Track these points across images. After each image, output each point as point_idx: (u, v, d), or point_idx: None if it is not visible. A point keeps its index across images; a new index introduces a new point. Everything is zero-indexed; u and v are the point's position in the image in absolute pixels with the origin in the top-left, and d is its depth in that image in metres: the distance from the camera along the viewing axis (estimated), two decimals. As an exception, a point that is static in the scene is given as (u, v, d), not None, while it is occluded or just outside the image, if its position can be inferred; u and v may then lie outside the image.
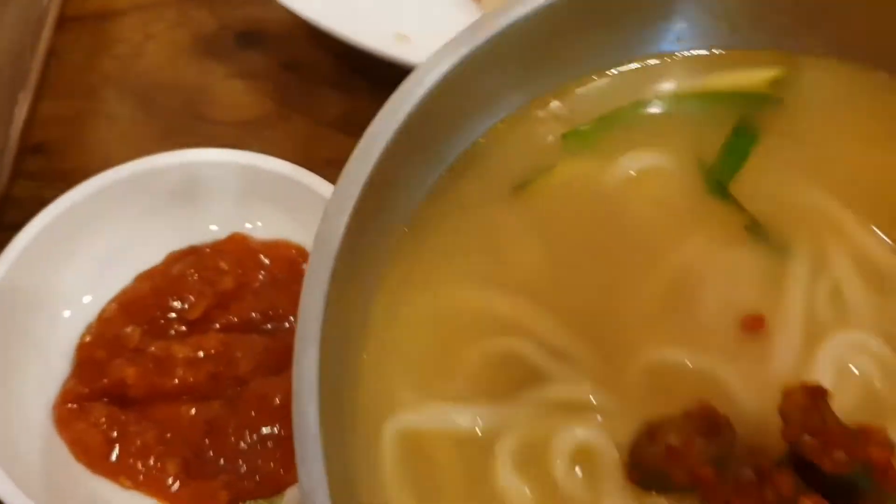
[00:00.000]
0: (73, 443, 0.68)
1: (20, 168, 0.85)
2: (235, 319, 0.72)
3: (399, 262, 0.56)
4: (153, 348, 0.70)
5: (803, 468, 0.47)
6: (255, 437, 0.68)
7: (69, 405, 0.68)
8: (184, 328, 0.72)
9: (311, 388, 0.45)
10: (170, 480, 0.67)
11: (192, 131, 0.88)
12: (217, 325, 0.72)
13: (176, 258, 0.74)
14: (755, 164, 0.60)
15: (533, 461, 0.50)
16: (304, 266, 0.74)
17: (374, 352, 0.53)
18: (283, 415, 0.67)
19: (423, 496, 0.50)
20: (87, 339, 0.71)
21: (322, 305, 0.47)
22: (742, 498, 0.47)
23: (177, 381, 0.69)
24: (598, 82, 0.62)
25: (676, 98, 0.63)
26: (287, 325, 0.72)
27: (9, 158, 0.84)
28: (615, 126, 0.61)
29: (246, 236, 0.75)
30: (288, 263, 0.74)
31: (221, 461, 0.68)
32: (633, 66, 0.63)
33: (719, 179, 0.59)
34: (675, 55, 0.63)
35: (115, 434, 0.68)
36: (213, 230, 0.76)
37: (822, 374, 0.52)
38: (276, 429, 0.68)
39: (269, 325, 0.73)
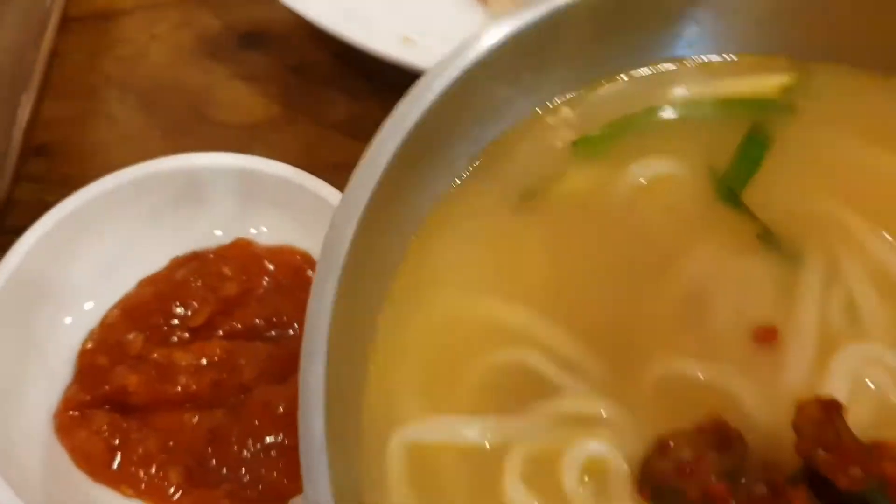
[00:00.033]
0: (74, 450, 0.67)
1: (22, 170, 0.85)
2: (239, 326, 0.72)
3: (406, 272, 0.55)
4: (156, 355, 0.69)
5: (817, 483, 0.47)
6: (258, 445, 0.67)
7: (70, 412, 0.68)
8: (187, 335, 0.71)
9: (318, 403, 0.45)
10: (172, 489, 0.66)
11: (195, 133, 0.87)
12: (220, 332, 0.71)
13: (179, 264, 0.74)
14: (767, 171, 0.60)
15: (542, 475, 0.50)
16: (309, 272, 0.74)
17: (381, 363, 0.53)
18: (287, 423, 0.67)
19: (430, 510, 0.50)
20: (89, 345, 0.71)
21: (329, 318, 0.46)
22: (755, 514, 0.47)
23: (179, 388, 0.68)
24: (608, 88, 0.62)
25: (688, 104, 0.62)
26: (291, 332, 0.72)
27: (11, 161, 0.83)
28: (626, 133, 0.61)
29: (250, 242, 0.75)
30: (293, 269, 0.74)
31: (224, 470, 0.67)
32: (645, 71, 0.62)
33: (731, 187, 0.59)
34: (687, 61, 0.63)
35: (116, 442, 0.67)
36: (217, 235, 0.75)
37: (836, 386, 0.52)
38: (279, 438, 0.67)
39: (273, 332, 0.72)
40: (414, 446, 0.51)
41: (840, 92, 0.62)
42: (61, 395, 0.70)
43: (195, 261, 0.74)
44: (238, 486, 0.66)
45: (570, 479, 0.50)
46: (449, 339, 0.54)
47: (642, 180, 0.59)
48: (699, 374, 0.52)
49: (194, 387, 0.68)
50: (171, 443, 0.67)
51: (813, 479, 0.47)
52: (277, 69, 0.91)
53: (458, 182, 0.58)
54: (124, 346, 0.70)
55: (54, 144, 0.87)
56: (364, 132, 0.84)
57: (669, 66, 0.63)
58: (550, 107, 0.61)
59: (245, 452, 0.66)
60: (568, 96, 0.61)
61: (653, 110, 0.62)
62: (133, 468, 0.67)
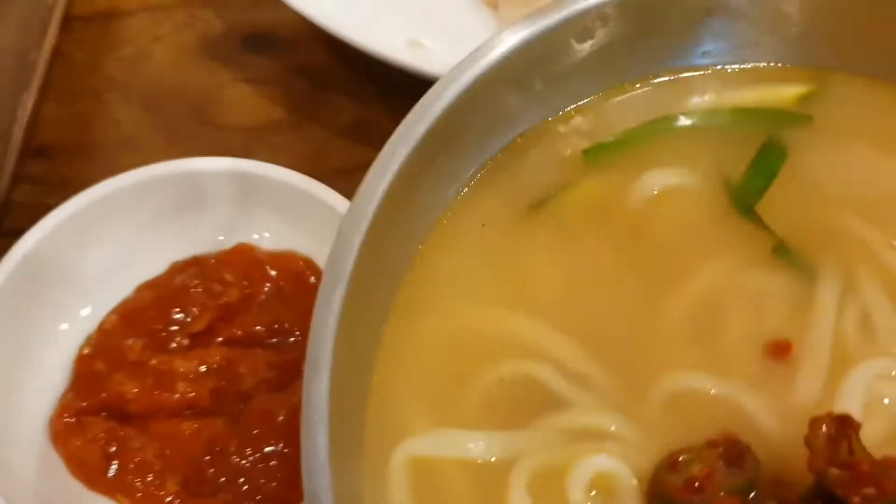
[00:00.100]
0: (70, 458, 0.67)
1: (21, 172, 0.85)
2: (239, 333, 0.72)
3: (413, 282, 0.55)
4: (154, 362, 0.69)
5: (829, 501, 0.47)
6: (257, 454, 0.67)
7: (66, 419, 0.68)
8: (186, 341, 0.71)
9: (322, 419, 0.45)
10: (169, 499, 0.66)
11: (198, 136, 0.87)
12: (220, 339, 0.71)
13: (179, 268, 0.74)
14: (783, 183, 0.60)
15: (548, 490, 0.50)
16: (312, 279, 0.74)
17: (385, 375, 0.53)
18: (287, 432, 0.67)
19: (433, 525, 0.50)
20: (87, 351, 0.71)
21: (333, 332, 0.47)
22: (766, 532, 0.47)
23: (178, 395, 0.68)
24: (621, 97, 0.62)
25: (702, 114, 0.62)
26: (292, 339, 0.72)
27: (10, 161, 0.84)
28: (638, 142, 0.61)
29: (252, 247, 0.75)
30: (295, 276, 0.74)
31: (222, 479, 0.67)
32: (659, 80, 0.62)
33: (746, 199, 0.59)
34: (702, 70, 0.63)
35: (113, 450, 0.67)
36: (219, 240, 0.76)
37: (850, 402, 0.52)
38: (279, 446, 0.67)
39: (274, 339, 0.72)
40: (417, 460, 0.51)
41: (857, 103, 0.62)
42: (57, 402, 0.70)
43: (196, 266, 0.74)
44: (236, 496, 0.66)
45: (577, 493, 0.50)
46: (455, 350, 0.54)
47: (655, 191, 0.59)
48: (710, 389, 0.53)
49: (193, 394, 0.68)
50: (168, 451, 0.67)
51: (825, 496, 0.47)
52: (282, 72, 0.91)
53: (467, 190, 0.59)
54: (122, 353, 0.70)
55: (55, 146, 0.87)
56: (369, 136, 0.85)
57: (684, 75, 0.63)
58: (562, 115, 0.61)
59: (244, 461, 0.66)
60: (580, 104, 0.61)
61: (667, 119, 0.62)
62: (129, 477, 0.67)
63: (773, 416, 0.52)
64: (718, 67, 0.63)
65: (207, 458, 0.67)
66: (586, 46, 0.59)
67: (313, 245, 0.74)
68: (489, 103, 0.57)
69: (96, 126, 0.88)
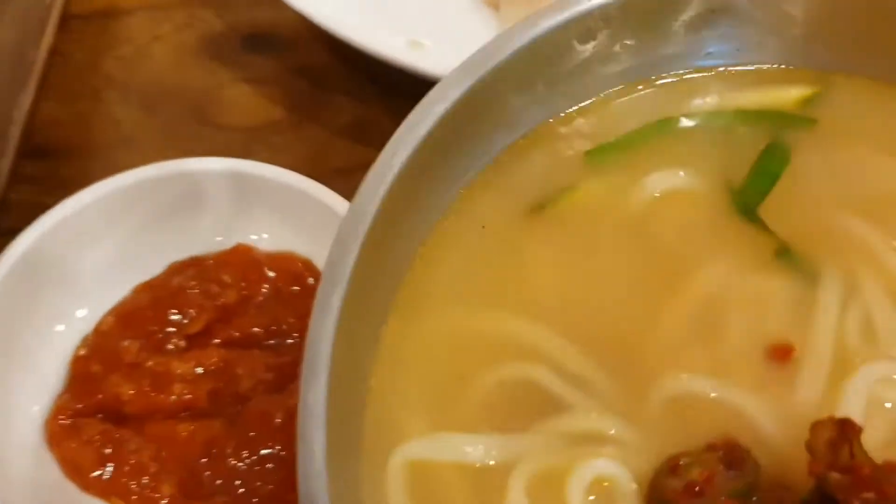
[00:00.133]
0: (65, 460, 0.67)
1: (19, 172, 0.85)
2: (237, 334, 0.72)
3: (412, 283, 0.55)
4: (151, 363, 0.69)
5: (830, 506, 0.47)
6: (254, 457, 0.67)
7: (62, 421, 0.68)
8: (183, 343, 0.71)
9: (318, 423, 0.45)
10: (164, 501, 0.66)
11: (197, 136, 0.88)
12: (218, 340, 0.72)
13: (177, 269, 0.74)
14: (786, 185, 0.60)
15: (547, 494, 0.50)
16: (310, 280, 0.74)
17: (383, 377, 0.53)
18: (285, 434, 0.67)
19: (431, 530, 0.50)
20: (83, 352, 0.71)
21: (331, 337, 0.46)
22: (766, 536, 0.47)
23: (174, 397, 0.69)
24: (624, 98, 0.62)
25: (705, 116, 0.62)
26: (291, 341, 0.72)
27: (7, 161, 0.84)
28: (640, 144, 0.61)
29: (251, 248, 0.75)
30: (293, 277, 0.74)
31: (218, 482, 0.67)
32: (661, 81, 0.62)
33: (748, 202, 0.59)
34: (705, 71, 0.63)
35: (108, 452, 0.67)
36: (218, 241, 0.76)
37: (851, 406, 0.52)
38: (276, 449, 0.67)
39: (272, 341, 0.72)
40: (416, 463, 0.51)
41: (861, 105, 0.62)
42: (53, 403, 0.70)
43: (193, 267, 0.74)
44: (233, 499, 0.66)
45: (576, 497, 0.50)
46: (454, 352, 0.54)
47: (657, 193, 0.59)
48: (711, 392, 0.53)
49: (190, 396, 0.69)
50: (164, 453, 0.67)
51: (825, 501, 0.47)
52: (282, 72, 0.91)
53: (468, 191, 0.59)
54: (119, 354, 0.70)
55: (53, 145, 0.87)
56: (369, 137, 0.85)
57: (687, 77, 0.63)
58: (564, 116, 0.61)
59: (241, 464, 0.67)
60: (582, 106, 0.61)
61: (669, 121, 0.62)
62: (124, 479, 0.67)
63: (773, 419, 0.52)
64: (722, 69, 0.63)
65: (204, 460, 0.67)
66: (588, 47, 0.59)
67: (312, 246, 0.74)
68: (491, 104, 0.57)
69: (95, 126, 0.88)
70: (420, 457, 0.51)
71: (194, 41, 0.93)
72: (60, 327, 0.72)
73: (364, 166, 0.52)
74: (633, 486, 0.50)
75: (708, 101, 0.63)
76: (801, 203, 0.59)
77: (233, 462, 0.67)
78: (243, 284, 0.73)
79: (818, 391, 0.53)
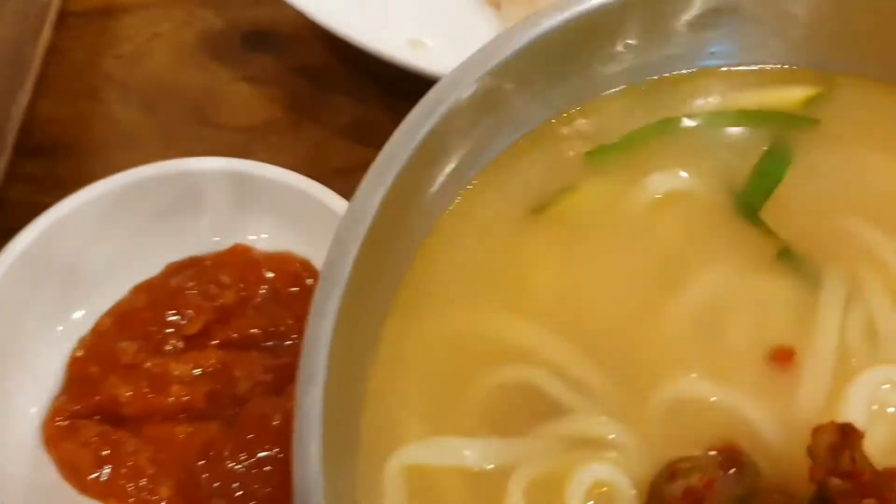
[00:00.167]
0: (62, 462, 0.67)
1: (16, 171, 0.85)
2: (235, 335, 0.72)
3: (412, 285, 0.55)
4: (149, 364, 0.69)
5: (831, 512, 0.47)
6: (252, 459, 0.67)
7: (59, 422, 0.68)
8: (181, 344, 0.71)
9: (314, 428, 0.45)
10: (162, 504, 0.67)
11: (196, 136, 0.88)
12: (216, 341, 0.72)
13: (175, 270, 0.74)
14: (788, 186, 0.60)
15: (546, 499, 0.50)
16: (309, 281, 0.74)
17: (382, 379, 0.53)
18: (283, 437, 0.67)
19: (429, 535, 0.50)
20: (80, 353, 0.71)
21: (329, 340, 0.46)
22: (766, 542, 0.47)
23: (172, 399, 0.69)
24: (625, 98, 0.62)
25: (707, 116, 0.62)
26: (289, 342, 0.72)
27: (4, 160, 0.84)
28: (642, 144, 0.61)
29: (249, 248, 0.75)
30: (292, 277, 0.74)
31: (216, 484, 0.67)
32: (664, 81, 0.62)
33: (750, 203, 0.59)
34: (708, 71, 0.63)
35: (106, 453, 0.67)
36: (216, 241, 0.76)
37: (853, 411, 0.52)
38: (274, 451, 0.68)
39: (270, 342, 0.73)
40: (413, 468, 0.51)
41: (864, 106, 0.62)
42: (50, 405, 0.70)
43: (191, 267, 0.74)
44: (230, 502, 0.66)
45: (575, 502, 0.50)
46: (453, 354, 0.54)
47: (658, 194, 0.59)
48: (711, 396, 0.53)
49: (188, 397, 0.69)
50: (161, 455, 0.67)
51: (826, 507, 0.47)
52: (282, 71, 0.91)
53: (468, 192, 0.59)
54: (116, 355, 0.70)
55: (50, 144, 0.87)
56: (370, 137, 0.85)
57: (689, 76, 0.63)
58: (565, 116, 0.61)
59: (238, 466, 0.67)
60: (583, 106, 0.61)
61: (670, 121, 0.62)
62: (122, 481, 0.67)
63: (774, 424, 0.52)
64: (724, 69, 0.63)
65: (201, 462, 0.67)
66: (591, 46, 0.59)
67: (311, 246, 0.74)
68: (491, 104, 0.57)
69: (93, 125, 0.88)
70: (418, 461, 0.51)
71: (193, 40, 0.93)
72: (58, 328, 0.72)
73: (364, 166, 0.52)
74: (633, 491, 0.50)
75: (710, 102, 0.63)
76: (804, 204, 0.59)
77: (230, 464, 0.67)
78: (241, 285, 0.73)
79: (820, 396, 0.52)
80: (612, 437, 0.52)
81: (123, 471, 0.67)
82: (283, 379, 0.69)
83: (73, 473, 0.68)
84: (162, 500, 0.66)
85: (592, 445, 0.51)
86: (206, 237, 0.76)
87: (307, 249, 0.75)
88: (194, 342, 0.72)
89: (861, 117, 0.62)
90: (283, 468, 0.67)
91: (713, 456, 0.50)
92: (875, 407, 0.52)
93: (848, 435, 0.48)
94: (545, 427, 0.52)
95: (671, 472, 0.49)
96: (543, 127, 0.61)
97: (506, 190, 0.59)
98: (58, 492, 0.67)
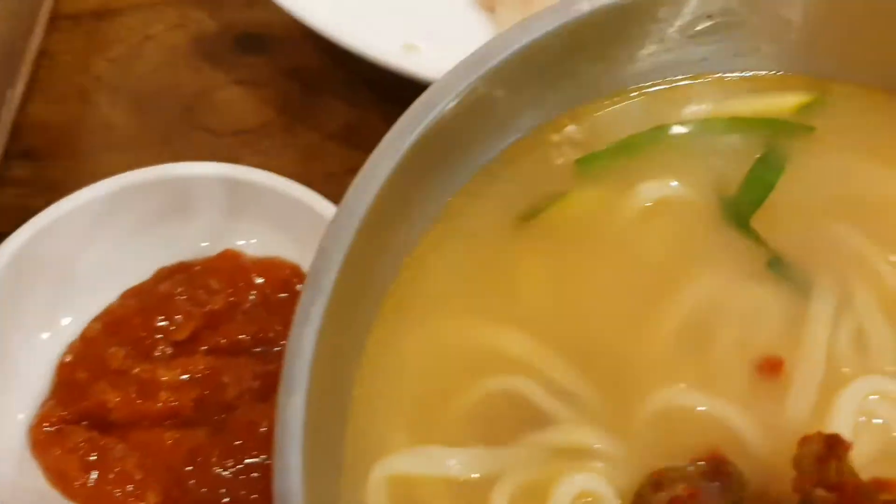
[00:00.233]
0: (49, 467, 0.68)
1: (5, 174, 0.86)
2: (224, 341, 0.72)
3: (398, 292, 0.56)
4: (137, 370, 0.70)
5: (816, 523, 0.47)
6: (239, 465, 0.68)
7: (46, 428, 0.69)
8: (170, 349, 0.72)
9: (295, 438, 0.45)
10: (148, 510, 0.67)
11: (188, 139, 0.88)
12: (205, 347, 0.72)
13: (164, 275, 0.75)
14: (779, 194, 0.60)
15: (531, 509, 0.50)
16: (298, 287, 0.74)
17: (366, 388, 0.53)
18: (270, 443, 0.67)
19: (413, 546, 0.50)
20: (68, 358, 0.72)
21: (312, 349, 0.46)
22: (751, 553, 0.47)
23: (160, 405, 0.69)
24: (617, 105, 0.62)
25: (699, 124, 0.62)
26: (278, 348, 0.72)
27: (-6, 163, 0.85)
28: (632, 152, 0.61)
29: (238, 253, 0.76)
30: (281, 283, 0.75)
31: (203, 490, 0.68)
32: (656, 88, 0.62)
33: (741, 211, 0.59)
34: (700, 77, 0.63)
35: (93, 459, 0.68)
36: (205, 246, 0.76)
37: (840, 422, 0.52)
38: (262, 458, 0.68)
39: (259, 349, 0.73)
40: (398, 479, 0.51)
41: (857, 113, 0.62)
42: (38, 410, 0.70)
43: (181, 273, 0.74)
44: (217, 508, 0.67)
45: (560, 512, 0.50)
46: (439, 363, 0.54)
47: (648, 203, 0.59)
48: (698, 406, 0.53)
49: (176, 403, 0.69)
50: (149, 461, 0.68)
51: (811, 518, 0.47)
52: (275, 74, 0.92)
53: (457, 200, 0.59)
54: (105, 361, 0.71)
55: (41, 148, 0.87)
56: (361, 141, 0.85)
57: (682, 83, 0.63)
58: (555, 123, 0.61)
59: (226, 472, 0.67)
60: (574, 112, 0.62)
61: (662, 129, 0.62)
62: (109, 487, 0.67)
63: (761, 434, 0.52)
64: (717, 75, 0.63)
65: (189, 468, 0.68)
66: (582, 52, 0.59)
67: (301, 252, 0.74)
68: (482, 110, 0.57)
69: (84, 128, 0.89)
70: (402, 471, 0.51)
71: (185, 42, 0.94)
72: (46, 333, 0.73)
73: (356, 171, 0.52)
74: (617, 501, 0.50)
75: (702, 109, 0.63)
76: (795, 213, 0.60)
77: (218, 471, 0.67)
78: (230, 291, 0.74)
79: (807, 406, 0.53)
80: (597, 446, 0.52)
81: (111, 476, 0.68)
82: (272, 385, 0.69)
83: (61, 479, 0.68)
84: (148, 507, 0.67)
85: (578, 455, 0.52)
86: (195, 242, 0.76)
87: (297, 255, 0.75)
88: (183, 348, 0.72)
89: (855, 124, 0.62)
90: (270, 475, 0.67)
91: (699, 466, 0.50)
92: (862, 418, 0.52)
93: (834, 446, 0.48)
94: (531, 436, 0.52)
95: (656, 481, 0.49)
96: (533, 134, 0.61)
97: (495, 197, 0.59)
98: (45, 497, 0.68)
